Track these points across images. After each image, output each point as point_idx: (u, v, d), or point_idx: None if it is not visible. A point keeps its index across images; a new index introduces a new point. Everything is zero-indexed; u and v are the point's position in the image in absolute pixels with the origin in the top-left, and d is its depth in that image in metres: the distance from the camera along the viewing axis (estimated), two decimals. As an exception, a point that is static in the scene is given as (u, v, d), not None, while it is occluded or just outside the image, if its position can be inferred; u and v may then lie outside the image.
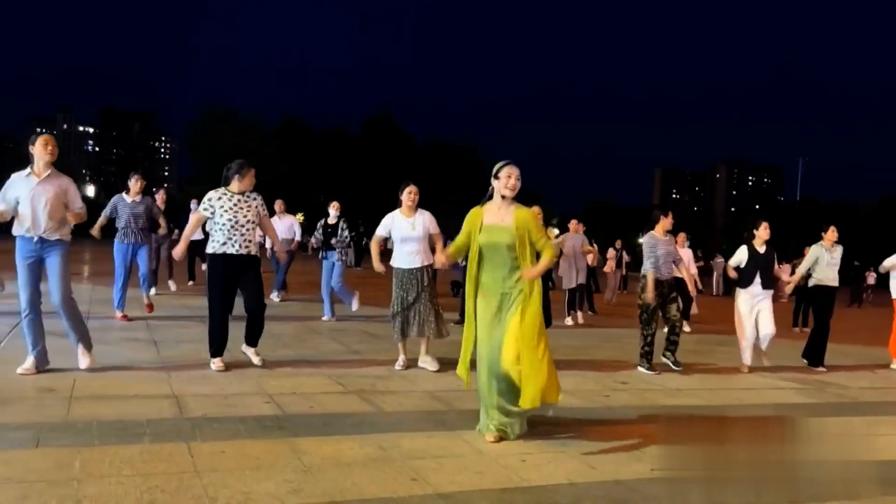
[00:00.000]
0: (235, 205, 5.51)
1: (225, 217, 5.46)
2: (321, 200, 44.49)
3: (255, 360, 5.74)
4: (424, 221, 6.10)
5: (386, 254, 6.66)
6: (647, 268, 6.91)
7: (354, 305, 9.37)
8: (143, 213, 8.23)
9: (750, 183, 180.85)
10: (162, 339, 6.78)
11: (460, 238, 4.29)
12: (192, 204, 12.47)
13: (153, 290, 10.73)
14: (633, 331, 10.83)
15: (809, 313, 12.82)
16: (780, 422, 5.35)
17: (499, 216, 4.13)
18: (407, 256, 6.05)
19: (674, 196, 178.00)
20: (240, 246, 5.46)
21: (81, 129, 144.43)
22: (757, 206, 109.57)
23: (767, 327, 7.27)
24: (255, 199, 5.64)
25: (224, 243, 5.44)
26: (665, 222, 7.03)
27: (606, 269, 15.99)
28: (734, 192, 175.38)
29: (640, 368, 6.88)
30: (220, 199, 5.53)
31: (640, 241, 7.27)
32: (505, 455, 3.79)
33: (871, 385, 7.24)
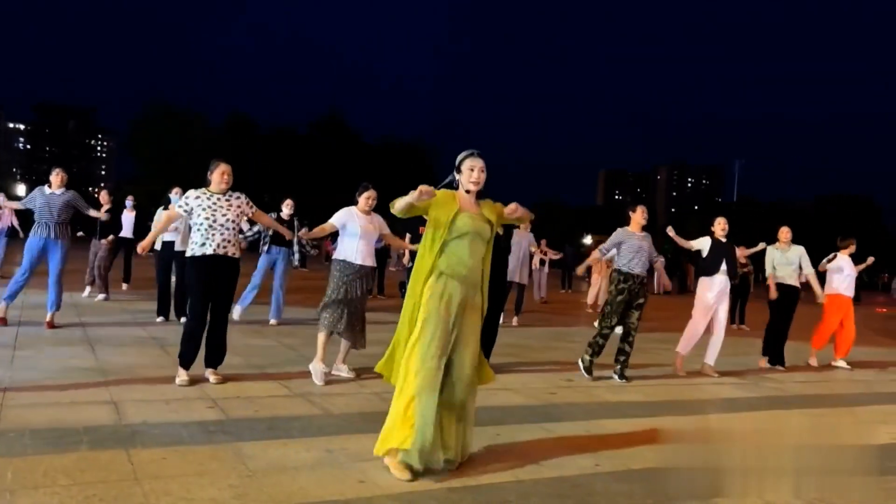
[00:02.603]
0: (214, 204, 5.26)
1: (202, 217, 5.22)
2: (265, 200, 43.79)
3: (212, 378, 5.28)
4: (380, 222, 5.97)
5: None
6: (618, 264, 6.63)
7: (236, 313, 8.74)
8: (61, 204, 7.26)
9: (689, 184, 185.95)
10: (99, 343, 6.56)
11: (419, 204, 3.57)
12: (128, 201, 12.03)
13: (101, 297, 10.34)
14: (579, 329, 11.04)
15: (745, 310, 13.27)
16: (720, 415, 5.51)
17: (470, 207, 3.72)
18: (361, 252, 5.79)
19: (616, 197, 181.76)
20: (217, 246, 5.16)
21: (12, 125, 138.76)
22: (696, 207, 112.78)
23: (719, 332, 7.17)
24: (237, 197, 5.38)
25: (203, 244, 5.18)
26: (634, 217, 6.76)
27: (533, 266, 16.20)
28: (674, 193, 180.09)
29: (579, 361, 6.61)
30: (197, 198, 5.27)
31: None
32: (453, 454, 3.79)
33: (807, 379, 7.53)
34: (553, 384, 6.09)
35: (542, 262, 16.75)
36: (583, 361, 6.57)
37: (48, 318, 7.27)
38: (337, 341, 5.94)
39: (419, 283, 3.61)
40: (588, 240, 77.08)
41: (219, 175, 5.31)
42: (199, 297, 5.18)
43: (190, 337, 5.18)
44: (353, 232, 5.78)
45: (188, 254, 5.22)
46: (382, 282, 14.52)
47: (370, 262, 5.83)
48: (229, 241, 5.24)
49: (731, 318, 13.22)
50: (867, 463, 4.34)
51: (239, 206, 5.37)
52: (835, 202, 73.75)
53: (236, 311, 8.72)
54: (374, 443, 3.92)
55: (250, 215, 5.49)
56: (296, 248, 8.89)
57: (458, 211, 3.63)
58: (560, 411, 5.09)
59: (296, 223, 8.97)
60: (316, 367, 5.62)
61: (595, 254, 7.04)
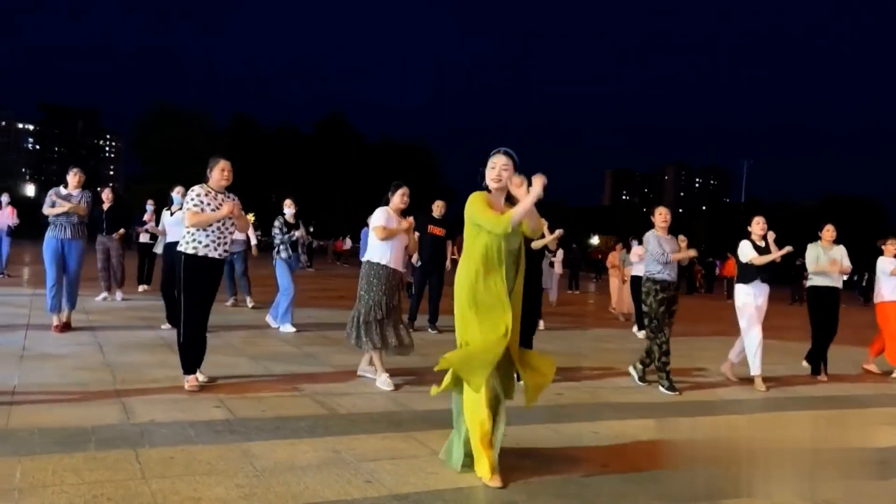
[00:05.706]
0: (221, 203, 5.05)
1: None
2: (272, 201, 43.89)
3: (200, 377, 5.10)
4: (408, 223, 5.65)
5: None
6: (652, 272, 6.24)
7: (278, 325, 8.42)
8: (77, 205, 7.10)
9: (697, 184, 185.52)
10: (107, 343, 6.59)
11: (490, 212, 3.46)
12: (148, 205, 12.01)
13: (118, 296, 10.35)
14: (582, 331, 11.01)
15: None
16: (727, 417, 5.49)
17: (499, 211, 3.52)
18: (395, 256, 5.51)
19: (624, 197, 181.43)
20: (223, 250, 5.04)
21: (21, 126, 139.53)
22: (703, 207, 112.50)
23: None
24: (233, 198, 5.15)
25: (207, 245, 4.96)
26: (657, 219, 6.37)
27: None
28: (682, 194, 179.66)
29: (660, 388, 6.15)
30: (207, 195, 5.05)
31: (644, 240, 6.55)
32: (459, 455, 3.79)
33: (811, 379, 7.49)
34: (560, 385, 6.08)
35: (551, 265, 16.66)
36: (662, 387, 6.16)
37: (65, 318, 7.20)
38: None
39: (468, 306, 3.56)
40: (595, 240, 77.01)
41: (219, 172, 5.09)
42: (201, 299, 4.97)
43: (193, 344, 4.98)
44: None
45: (190, 251, 4.92)
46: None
47: (402, 265, 5.56)
48: (227, 243, 5.11)
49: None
50: (875, 465, 4.32)
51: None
52: (841, 203, 73.42)
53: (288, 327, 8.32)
54: (381, 443, 3.94)
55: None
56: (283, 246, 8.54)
57: None
58: (567, 412, 5.08)
59: (301, 223, 8.67)
60: (383, 381, 5.43)
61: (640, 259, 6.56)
